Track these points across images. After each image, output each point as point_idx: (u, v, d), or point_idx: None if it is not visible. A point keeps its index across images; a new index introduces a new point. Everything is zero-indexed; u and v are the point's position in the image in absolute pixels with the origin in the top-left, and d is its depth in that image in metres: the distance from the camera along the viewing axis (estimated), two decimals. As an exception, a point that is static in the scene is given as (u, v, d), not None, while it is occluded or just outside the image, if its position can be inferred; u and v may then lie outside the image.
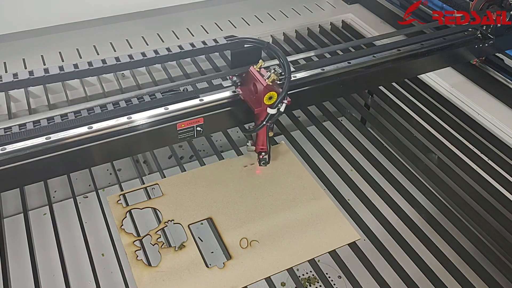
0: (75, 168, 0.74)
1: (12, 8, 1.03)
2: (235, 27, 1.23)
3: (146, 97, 0.76)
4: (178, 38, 1.18)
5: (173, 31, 1.20)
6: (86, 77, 0.78)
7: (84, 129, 0.69)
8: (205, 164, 0.82)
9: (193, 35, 1.19)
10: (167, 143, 0.79)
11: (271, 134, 0.77)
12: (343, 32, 1.25)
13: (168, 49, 0.78)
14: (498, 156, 0.87)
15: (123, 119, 0.71)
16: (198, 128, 0.75)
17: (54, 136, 0.67)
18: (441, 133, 0.92)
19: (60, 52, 1.11)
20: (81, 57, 1.10)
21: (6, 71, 1.04)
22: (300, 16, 1.30)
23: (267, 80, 0.69)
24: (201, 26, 1.23)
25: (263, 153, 0.78)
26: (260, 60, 0.73)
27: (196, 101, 0.76)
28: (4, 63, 1.06)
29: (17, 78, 0.70)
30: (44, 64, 1.07)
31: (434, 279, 0.67)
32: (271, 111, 0.71)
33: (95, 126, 0.69)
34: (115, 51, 1.12)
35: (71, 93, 1.01)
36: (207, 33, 1.20)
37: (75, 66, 0.73)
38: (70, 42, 1.14)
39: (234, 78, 0.78)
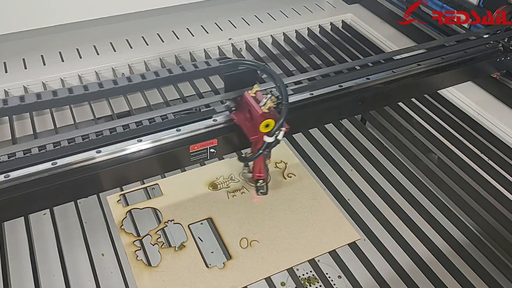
0: (83, 194, 0.71)
1: (12, 8, 1.03)
2: (235, 27, 1.23)
3: (158, 118, 0.74)
4: (178, 38, 1.18)
5: (173, 31, 1.20)
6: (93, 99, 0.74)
7: (92, 153, 0.67)
8: (205, 164, 0.82)
9: (193, 35, 1.19)
10: (179, 166, 0.76)
11: (268, 162, 0.73)
12: (343, 32, 1.25)
13: (156, 73, 0.71)
14: (498, 156, 0.87)
15: (133, 142, 0.70)
16: (212, 150, 0.73)
17: (60, 161, 0.66)
18: (441, 133, 0.92)
19: (60, 52, 1.11)
20: (81, 57, 1.10)
21: (6, 71, 1.04)
22: (300, 16, 1.30)
23: (263, 108, 0.66)
24: (201, 26, 1.23)
25: (260, 181, 0.74)
26: (255, 85, 0.69)
27: (209, 122, 0.74)
28: (4, 63, 1.06)
29: (24, 102, 0.64)
30: (44, 64, 1.07)
31: (434, 279, 0.67)
32: (268, 139, 0.67)
33: (104, 150, 0.68)
34: (115, 51, 1.12)
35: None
36: (207, 33, 1.20)
37: (80, 88, 0.67)
38: (70, 42, 1.14)
39: (228, 103, 0.74)
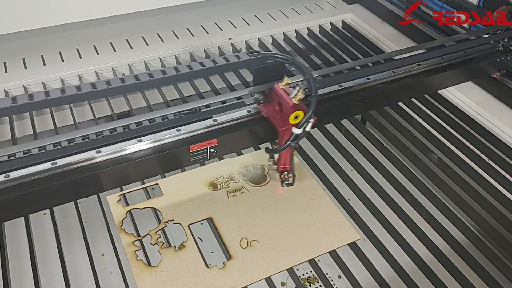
0: (83, 194, 0.71)
1: (12, 8, 1.03)
2: (235, 27, 1.23)
3: (158, 118, 0.74)
4: (178, 38, 1.18)
5: (173, 31, 1.20)
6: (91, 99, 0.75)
7: (92, 154, 0.67)
8: (205, 164, 0.82)
9: (193, 35, 1.19)
10: (179, 166, 0.76)
11: (295, 153, 0.74)
12: (343, 32, 1.25)
13: (189, 66, 0.73)
14: (498, 156, 0.87)
15: (133, 142, 0.70)
16: (212, 150, 0.74)
17: (60, 161, 0.66)
18: (441, 133, 0.92)
19: (60, 52, 1.11)
20: (81, 57, 1.10)
21: (6, 71, 1.04)
22: (300, 16, 1.30)
23: (293, 99, 0.67)
24: (201, 26, 1.23)
25: (285, 173, 0.75)
26: (285, 77, 0.71)
27: (209, 122, 0.74)
28: (4, 63, 1.06)
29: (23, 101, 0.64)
30: (44, 64, 1.07)
31: (434, 279, 0.67)
32: (297, 130, 0.68)
33: (104, 150, 0.68)
34: (115, 51, 1.12)
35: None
36: (207, 33, 1.20)
37: (78, 88, 0.68)
38: (70, 42, 1.14)
39: (256, 95, 0.76)
